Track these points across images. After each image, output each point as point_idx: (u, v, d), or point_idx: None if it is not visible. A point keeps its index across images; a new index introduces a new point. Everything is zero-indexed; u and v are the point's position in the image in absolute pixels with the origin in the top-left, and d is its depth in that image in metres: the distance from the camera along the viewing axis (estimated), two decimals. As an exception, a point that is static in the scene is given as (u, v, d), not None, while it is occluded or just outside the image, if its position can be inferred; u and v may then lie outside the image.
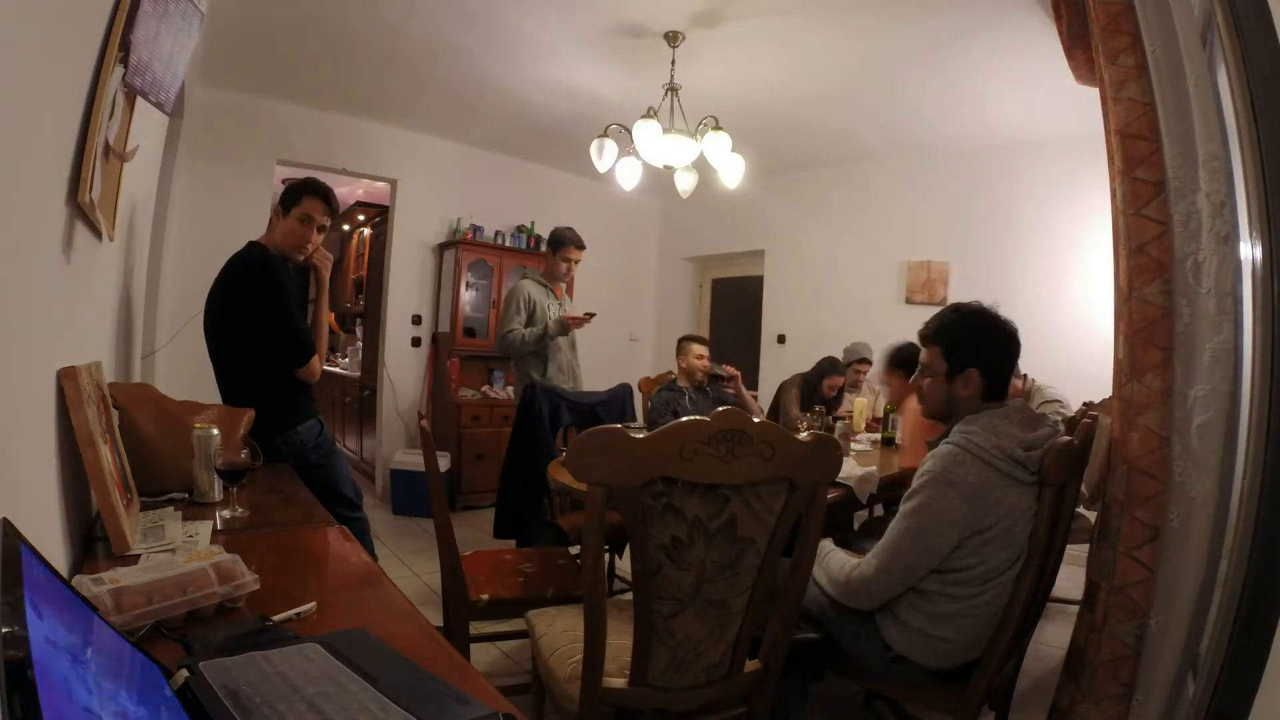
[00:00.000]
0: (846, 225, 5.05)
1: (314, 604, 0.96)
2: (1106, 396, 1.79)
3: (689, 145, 3.05)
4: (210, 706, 0.63)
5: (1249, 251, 1.25)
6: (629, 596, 1.36)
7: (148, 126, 1.79)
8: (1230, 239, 1.32)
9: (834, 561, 1.63)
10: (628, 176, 3.36)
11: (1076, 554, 1.94)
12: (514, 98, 3.98)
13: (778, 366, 5.21)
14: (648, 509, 1.11)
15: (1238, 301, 1.32)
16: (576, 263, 3.43)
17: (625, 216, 5.89)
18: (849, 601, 1.56)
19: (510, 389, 4.58)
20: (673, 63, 3.17)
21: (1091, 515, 1.88)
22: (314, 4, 2.96)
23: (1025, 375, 2.95)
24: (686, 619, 1.20)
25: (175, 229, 3.64)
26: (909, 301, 4.61)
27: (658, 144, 2.98)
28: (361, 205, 6.13)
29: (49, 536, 0.96)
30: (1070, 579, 2.44)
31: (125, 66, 1.14)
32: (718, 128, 3.03)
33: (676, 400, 3.35)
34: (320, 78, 3.81)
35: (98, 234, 1.28)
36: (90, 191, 1.08)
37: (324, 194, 2.04)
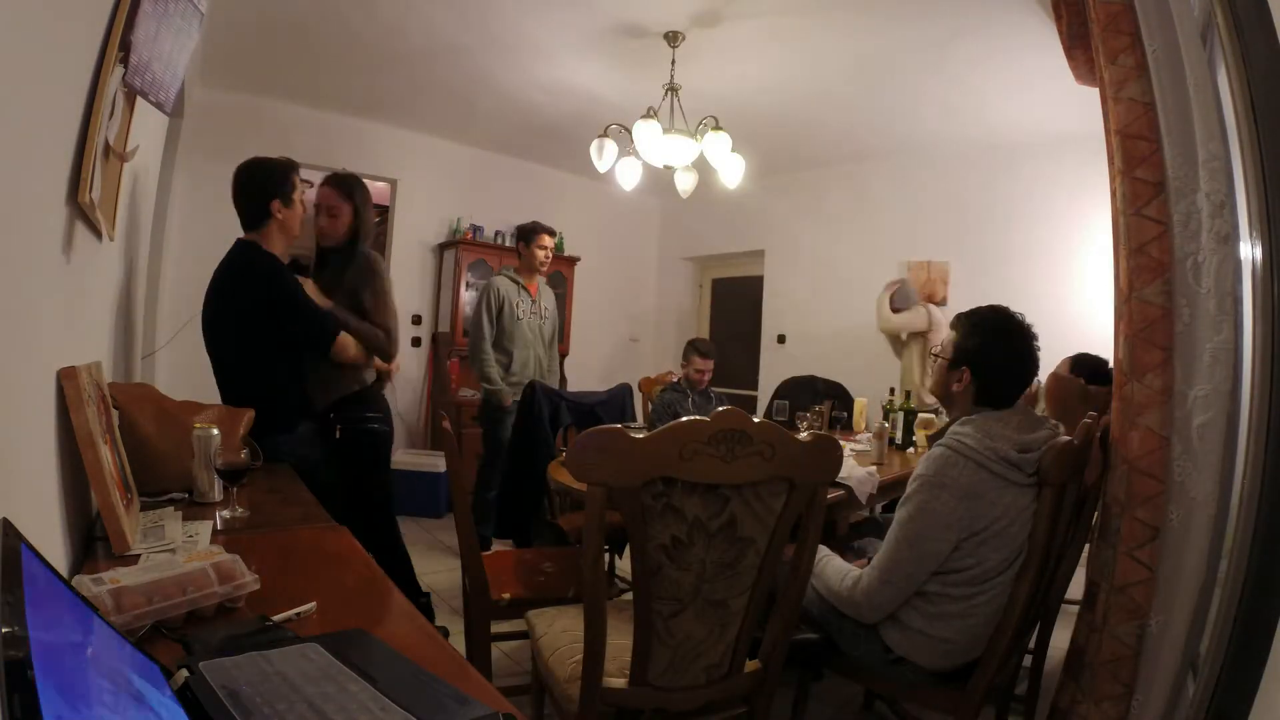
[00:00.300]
0: (846, 225, 5.05)
1: (314, 604, 0.96)
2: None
3: (689, 145, 3.05)
4: (210, 706, 0.63)
5: (1249, 251, 1.25)
6: (629, 596, 1.36)
7: (148, 126, 1.80)
8: (1230, 239, 1.32)
9: (831, 570, 1.62)
10: (628, 176, 3.37)
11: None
12: (514, 98, 3.98)
13: (777, 366, 5.23)
14: (648, 509, 1.11)
15: (1238, 301, 1.32)
16: (551, 249, 3.59)
17: (625, 216, 5.89)
18: (854, 615, 1.55)
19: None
20: (673, 63, 3.17)
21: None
22: (314, 4, 2.97)
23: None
24: (686, 619, 1.20)
25: (175, 229, 3.63)
26: (909, 301, 4.60)
27: (658, 144, 2.99)
28: (362, 205, 6.12)
29: (49, 536, 0.95)
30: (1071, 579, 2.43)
31: (125, 66, 1.14)
32: (718, 128, 3.03)
33: (679, 402, 3.36)
34: (320, 78, 3.81)
35: (98, 234, 1.28)
36: (90, 191, 1.07)
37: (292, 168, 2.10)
